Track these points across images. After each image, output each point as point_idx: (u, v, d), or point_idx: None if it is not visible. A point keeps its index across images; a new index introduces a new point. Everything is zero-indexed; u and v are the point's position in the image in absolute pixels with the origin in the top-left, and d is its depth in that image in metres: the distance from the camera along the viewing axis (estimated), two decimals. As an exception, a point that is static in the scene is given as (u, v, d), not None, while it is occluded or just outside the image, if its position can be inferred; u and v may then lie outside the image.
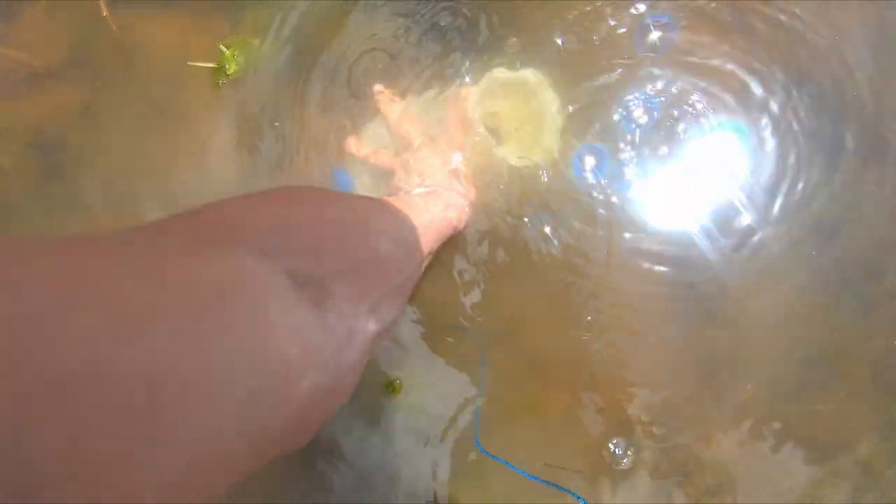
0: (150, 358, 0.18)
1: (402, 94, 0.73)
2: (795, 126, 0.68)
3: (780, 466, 0.60)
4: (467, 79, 0.71)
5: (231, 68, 0.69)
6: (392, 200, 0.50)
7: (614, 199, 0.68)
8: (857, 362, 0.62)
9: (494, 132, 0.68)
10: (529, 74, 0.67)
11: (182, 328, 0.20)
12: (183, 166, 0.79)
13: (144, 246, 0.24)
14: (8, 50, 0.85)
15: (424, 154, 0.63)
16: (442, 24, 0.74)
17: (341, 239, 0.36)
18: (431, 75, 0.73)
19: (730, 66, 0.69)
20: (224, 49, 0.69)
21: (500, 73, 0.69)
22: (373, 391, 0.67)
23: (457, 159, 0.64)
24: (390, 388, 0.67)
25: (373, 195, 0.66)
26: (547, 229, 0.67)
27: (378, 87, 0.72)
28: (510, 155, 0.66)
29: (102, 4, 0.73)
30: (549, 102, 0.66)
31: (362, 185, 0.73)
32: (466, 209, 0.62)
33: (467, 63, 0.72)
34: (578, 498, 0.61)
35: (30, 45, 0.85)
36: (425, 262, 0.53)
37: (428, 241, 0.50)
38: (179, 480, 0.19)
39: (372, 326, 0.35)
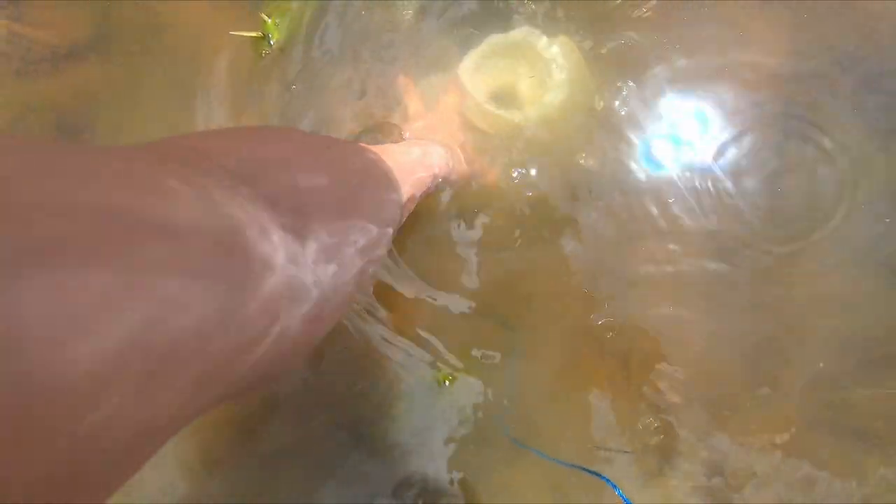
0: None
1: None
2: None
3: (828, 458, 0.58)
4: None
5: (274, 37, 0.67)
6: (366, 146, 0.50)
7: (650, 168, 0.66)
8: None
9: (501, 96, 0.67)
10: (524, 32, 0.66)
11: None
12: None
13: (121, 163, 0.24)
14: (26, 28, 0.84)
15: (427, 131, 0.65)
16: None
17: (317, 171, 0.35)
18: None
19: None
20: (266, 17, 0.67)
21: (494, 37, 0.68)
22: (419, 382, 0.66)
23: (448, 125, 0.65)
24: (443, 380, 0.66)
25: None
26: (581, 203, 0.66)
27: (401, 79, 0.71)
28: (520, 115, 0.65)
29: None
30: (547, 51, 0.64)
31: None
32: (448, 158, 0.61)
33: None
34: (609, 482, 0.59)
35: (49, 23, 0.84)
36: (406, 211, 0.53)
37: (405, 180, 0.50)
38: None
39: (355, 257, 0.35)
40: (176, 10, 0.78)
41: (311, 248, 0.30)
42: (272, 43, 0.70)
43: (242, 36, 0.70)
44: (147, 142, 0.30)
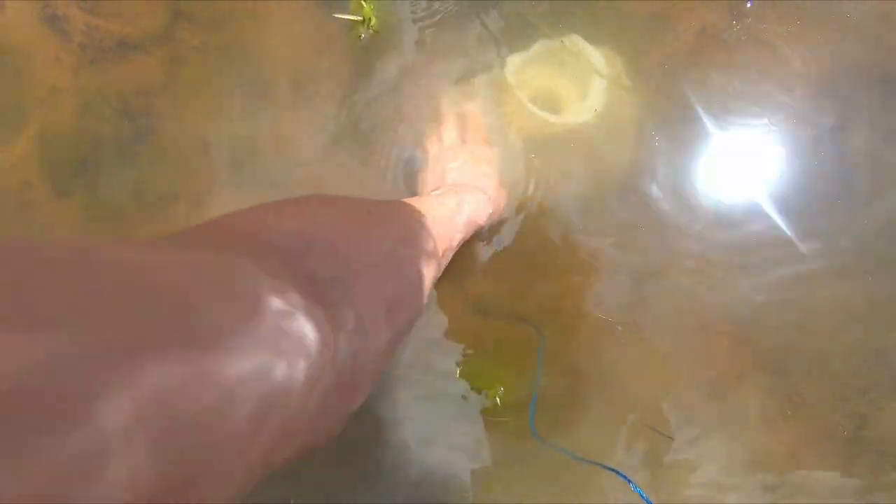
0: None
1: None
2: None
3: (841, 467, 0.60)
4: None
5: (374, 21, 0.72)
6: (406, 202, 0.51)
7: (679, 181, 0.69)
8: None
9: (542, 101, 0.70)
10: (573, 40, 0.69)
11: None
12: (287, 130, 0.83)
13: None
14: (100, 20, 0.90)
15: (454, 153, 0.67)
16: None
17: (359, 241, 0.36)
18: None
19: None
20: (364, 3, 0.72)
21: (541, 42, 0.71)
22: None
23: (484, 157, 0.68)
24: (491, 393, 0.69)
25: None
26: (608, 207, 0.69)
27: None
28: (557, 118, 0.68)
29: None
30: (595, 60, 0.67)
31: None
32: (488, 206, 0.64)
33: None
34: (628, 479, 0.62)
35: (122, 15, 0.89)
36: (445, 260, 0.53)
37: (442, 236, 0.50)
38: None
39: (386, 332, 0.34)
40: (238, 5, 0.83)
41: (350, 318, 0.30)
42: (370, 26, 0.74)
43: (343, 18, 0.75)
44: (203, 221, 0.32)
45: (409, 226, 0.45)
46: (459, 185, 0.62)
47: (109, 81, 0.89)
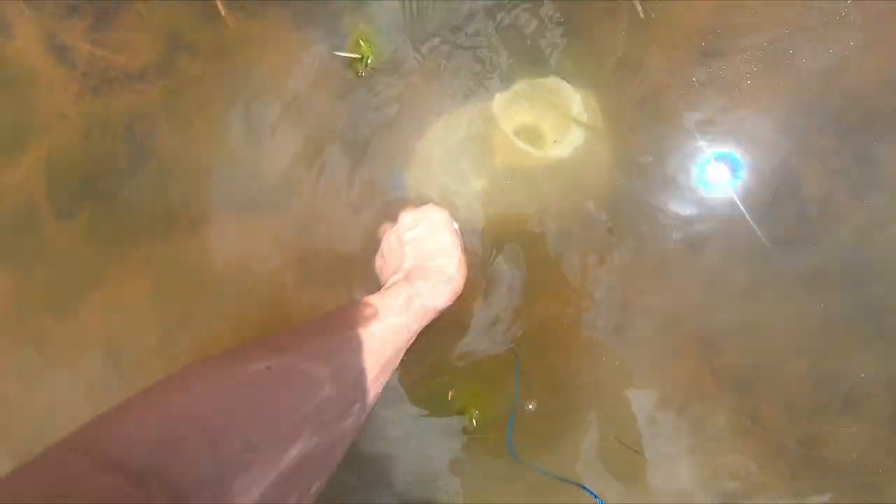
0: None
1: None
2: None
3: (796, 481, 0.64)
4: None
5: (371, 58, 0.77)
6: (341, 320, 0.50)
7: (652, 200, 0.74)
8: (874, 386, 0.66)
9: (527, 137, 0.75)
10: (552, 80, 0.74)
11: None
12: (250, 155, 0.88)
13: None
14: (104, 51, 0.94)
15: (411, 220, 0.69)
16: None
17: (244, 418, 0.34)
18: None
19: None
20: (362, 42, 0.77)
21: (525, 84, 0.76)
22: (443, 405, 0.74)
23: (440, 224, 0.68)
24: (467, 416, 0.72)
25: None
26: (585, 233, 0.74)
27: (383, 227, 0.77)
28: (539, 152, 0.73)
29: (220, 5, 0.81)
30: (572, 100, 0.72)
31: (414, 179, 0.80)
32: (447, 288, 0.62)
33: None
34: (595, 497, 0.66)
35: (125, 47, 0.94)
36: (397, 359, 0.54)
37: (395, 342, 0.51)
38: None
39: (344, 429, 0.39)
40: (267, 35, 0.88)
41: None
42: (368, 63, 0.78)
43: (343, 56, 0.80)
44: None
45: (339, 356, 0.43)
46: (414, 270, 0.61)
47: (112, 108, 0.93)
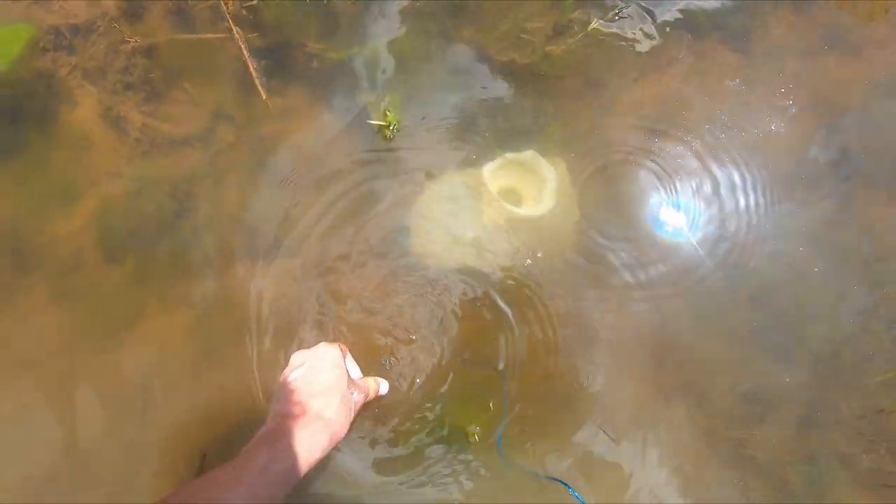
0: None
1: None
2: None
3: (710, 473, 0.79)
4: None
5: (397, 126, 0.96)
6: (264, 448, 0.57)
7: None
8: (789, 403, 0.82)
9: (509, 198, 0.92)
10: (530, 154, 0.92)
11: None
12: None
13: None
14: (154, 121, 1.11)
15: (299, 358, 0.72)
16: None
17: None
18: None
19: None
20: (388, 113, 0.96)
21: (511, 156, 0.94)
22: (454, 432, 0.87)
23: (328, 363, 0.70)
24: (470, 432, 0.85)
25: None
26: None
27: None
28: (521, 211, 0.90)
29: (257, 82, 0.99)
30: (546, 170, 0.90)
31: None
32: (324, 434, 0.62)
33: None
34: (573, 491, 0.78)
35: (172, 118, 1.11)
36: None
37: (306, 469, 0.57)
38: None
39: None
40: (275, 110, 1.05)
41: None
42: (394, 129, 0.96)
43: (374, 124, 0.98)
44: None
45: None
46: (284, 422, 0.61)
47: (158, 169, 1.08)
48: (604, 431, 0.82)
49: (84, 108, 1.12)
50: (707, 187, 0.93)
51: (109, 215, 1.08)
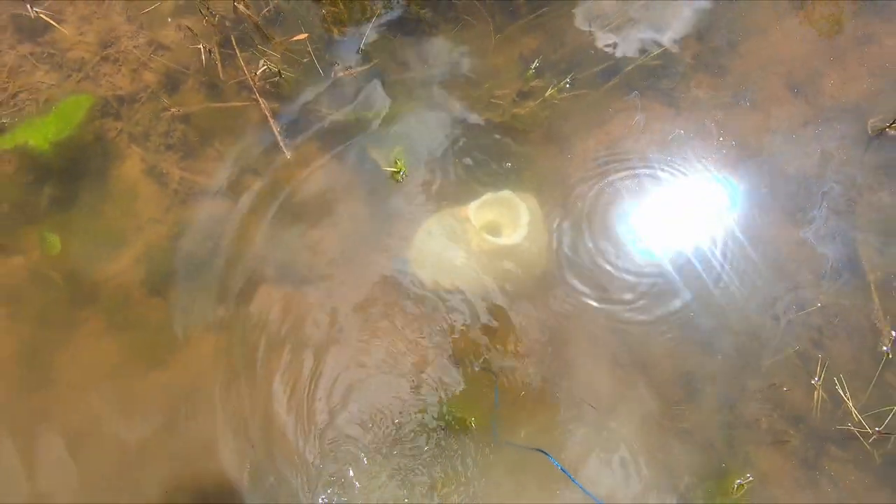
0: None
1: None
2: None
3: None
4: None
5: (405, 172, 1.18)
6: None
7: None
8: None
9: (491, 228, 1.12)
10: (507, 194, 1.13)
11: None
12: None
13: None
14: (191, 175, 1.32)
15: None
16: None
17: None
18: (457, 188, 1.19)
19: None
20: (398, 161, 1.19)
21: (490, 196, 1.14)
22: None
23: None
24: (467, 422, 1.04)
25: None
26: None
27: None
28: (499, 241, 1.10)
29: (282, 145, 1.20)
30: (521, 207, 1.11)
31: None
32: None
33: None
34: (555, 461, 0.96)
35: (204, 171, 1.31)
36: None
37: None
38: None
39: None
40: (294, 162, 1.26)
41: None
42: (404, 174, 1.19)
43: (388, 170, 1.20)
44: None
45: None
46: None
47: (194, 215, 1.28)
48: (589, 404, 1.01)
49: (131, 166, 1.32)
50: (655, 212, 1.14)
51: (152, 256, 1.27)
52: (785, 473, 0.97)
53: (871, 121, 1.16)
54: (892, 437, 0.96)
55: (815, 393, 0.99)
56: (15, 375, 1.24)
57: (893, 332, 1.00)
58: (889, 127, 1.14)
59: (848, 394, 0.98)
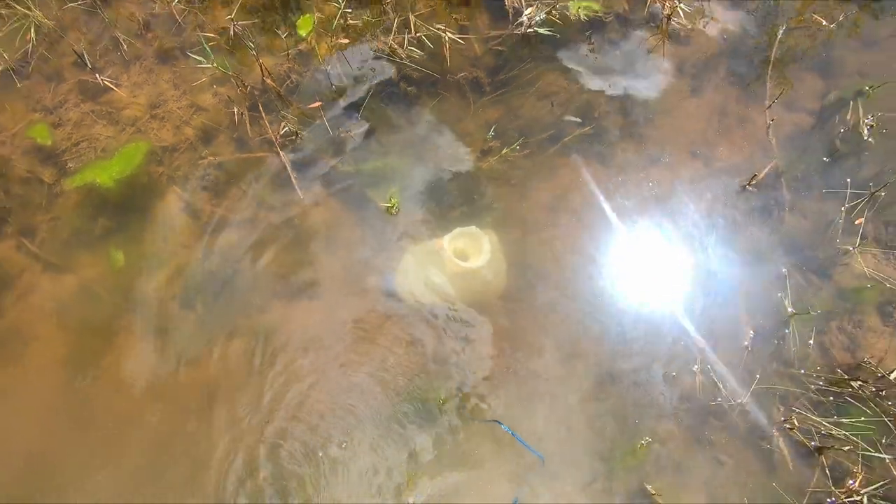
0: None
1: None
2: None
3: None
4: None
5: (398, 207, 1.49)
6: None
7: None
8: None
9: (461, 255, 1.44)
10: (474, 229, 1.45)
11: None
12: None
13: None
14: (219, 210, 1.62)
15: None
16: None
17: None
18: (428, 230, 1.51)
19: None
20: (392, 199, 1.49)
21: (459, 230, 1.47)
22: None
23: None
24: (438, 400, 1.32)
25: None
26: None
27: None
28: (467, 265, 1.42)
29: (294, 179, 1.51)
30: (484, 239, 1.43)
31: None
32: None
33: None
34: (508, 430, 1.24)
35: (232, 208, 1.62)
36: None
37: None
38: None
39: None
40: (305, 200, 1.58)
41: None
42: (397, 208, 1.50)
43: (383, 205, 1.50)
44: None
45: None
46: None
47: (219, 242, 1.58)
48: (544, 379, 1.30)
49: (171, 203, 1.62)
50: (596, 242, 1.48)
51: (184, 275, 1.55)
52: (677, 436, 1.29)
53: (740, 179, 1.55)
54: (752, 410, 1.29)
55: (696, 378, 1.32)
56: (63, 373, 1.48)
57: (751, 332, 1.33)
58: (748, 184, 1.53)
59: (720, 379, 1.31)
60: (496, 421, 1.24)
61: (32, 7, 1.79)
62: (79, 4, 1.84)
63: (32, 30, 1.80)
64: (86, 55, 1.75)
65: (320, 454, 1.32)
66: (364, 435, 1.34)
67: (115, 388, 1.43)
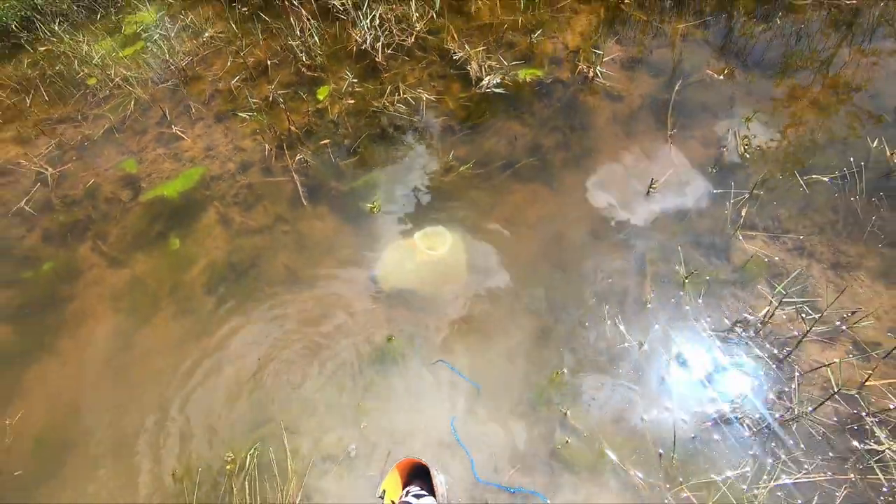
0: None
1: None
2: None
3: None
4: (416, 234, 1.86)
5: (379, 207, 1.87)
6: None
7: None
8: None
9: (430, 248, 1.79)
10: (440, 228, 1.81)
11: None
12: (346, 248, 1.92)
13: None
14: (246, 220, 2.08)
15: None
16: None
17: None
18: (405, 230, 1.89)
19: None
20: (375, 202, 1.89)
21: (429, 228, 1.83)
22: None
23: None
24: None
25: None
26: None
27: None
28: (434, 253, 1.76)
29: (305, 203, 1.95)
30: (447, 235, 1.78)
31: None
32: None
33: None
34: (471, 381, 1.49)
35: (255, 218, 2.07)
36: None
37: None
38: None
39: None
40: (312, 213, 2.02)
41: None
42: (379, 210, 1.89)
43: (369, 207, 1.91)
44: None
45: None
46: None
47: (242, 244, 2.01)
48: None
49: (209, 215, 2.10)
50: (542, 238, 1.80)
51: (211, 269, 1.97)
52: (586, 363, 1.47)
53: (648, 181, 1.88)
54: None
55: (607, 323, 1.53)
56: (107, 343, 1.86)
57: (652, 294, 1.56)
58: (649, 188, 1.85)
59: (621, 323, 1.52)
60: (441, 360, 1.49)
61: (135, 85, 2.49)
62: (168, 85, 2.55)
63: (133, 102, 2.49)
64: (167, 112, 2.39)
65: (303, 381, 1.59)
66: (344, 373, 1.61)
67: (145, 355, 1.79)
